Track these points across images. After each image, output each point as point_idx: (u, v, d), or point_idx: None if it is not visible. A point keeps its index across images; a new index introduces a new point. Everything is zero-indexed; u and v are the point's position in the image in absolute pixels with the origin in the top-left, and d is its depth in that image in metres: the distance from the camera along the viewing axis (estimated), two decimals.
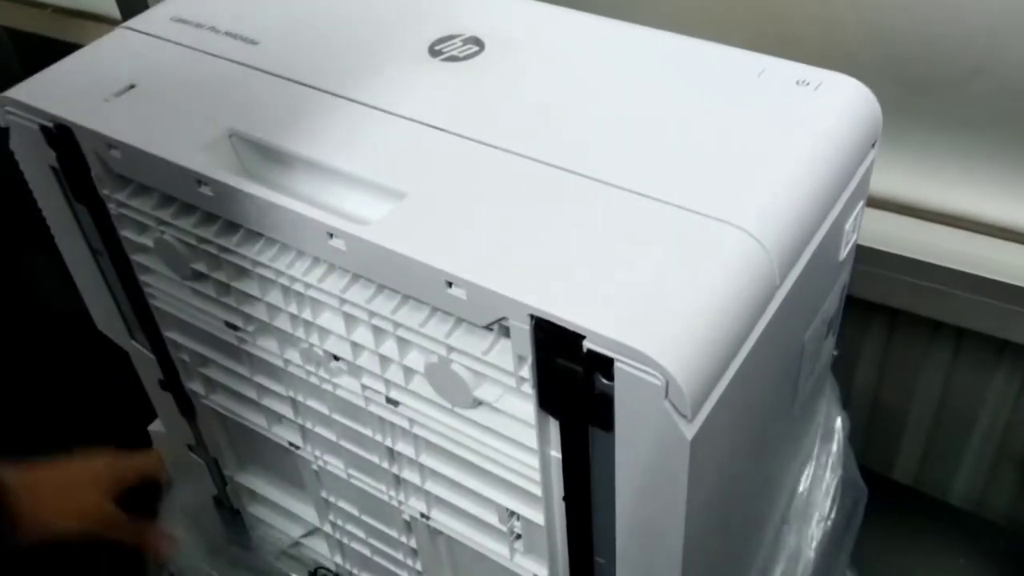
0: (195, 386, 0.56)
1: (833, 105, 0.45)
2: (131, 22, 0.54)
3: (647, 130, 0.44)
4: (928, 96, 0.62)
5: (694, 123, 0.44)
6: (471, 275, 0.37)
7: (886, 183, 0.66)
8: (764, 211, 0.40)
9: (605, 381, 0.35)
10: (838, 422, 0.58)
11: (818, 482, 0.56)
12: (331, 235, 0.41)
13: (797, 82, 0.46)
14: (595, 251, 0.38)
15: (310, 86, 0.47)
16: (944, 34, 0.59)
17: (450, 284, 0.38)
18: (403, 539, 0.53)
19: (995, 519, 0.74)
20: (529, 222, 0.39)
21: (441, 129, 0.44)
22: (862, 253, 0.65)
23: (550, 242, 0.38)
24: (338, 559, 0.60)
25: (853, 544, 0.59)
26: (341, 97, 0.47)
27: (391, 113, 0.45)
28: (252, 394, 0.52)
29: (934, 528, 0.76)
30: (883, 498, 0.72)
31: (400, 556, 0.54)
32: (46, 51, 0.99)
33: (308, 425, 0.51)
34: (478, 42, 0.50)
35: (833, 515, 0.56)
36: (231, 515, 0.66)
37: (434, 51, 0.49)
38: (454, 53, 0.49)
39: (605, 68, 0.48)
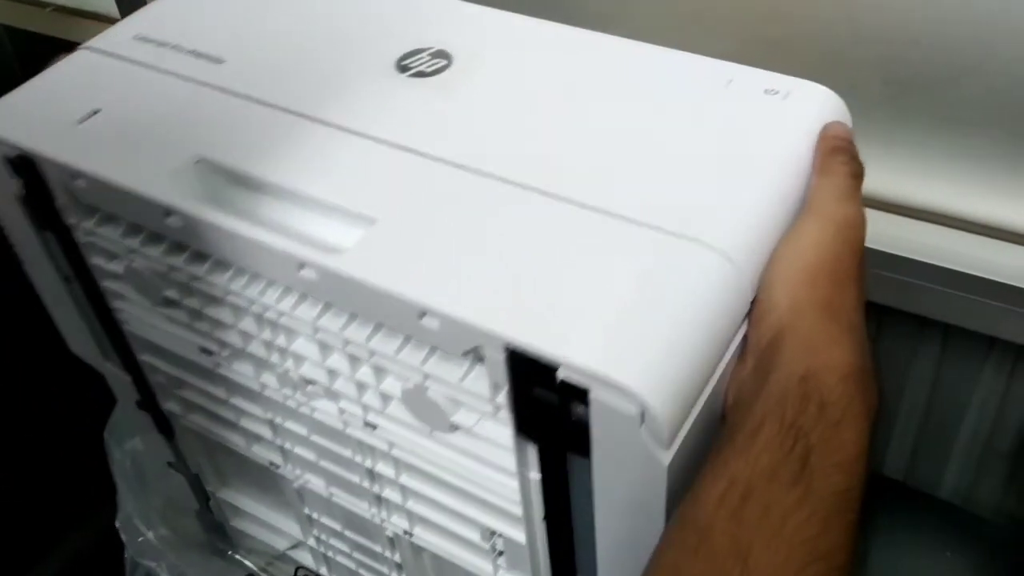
0: (172, 407, 0.56)
1: (802, 115, 0.44)
2: (93, 41, 0.52)
3: (616, 146, 0.43)
4: (917, 95, 0.61)
5: (664, 138, 0.43)
6: (442, 306, 0.37)
7: (872, 181, 0.65)
8: (735, 228, 0.39)
9: (581, 407, 0.35)
10: None
11: None
12: (301, 266, 0.40)
13: (766, 91, 0.44)
14: (568, 277, 0.37)
15: (277, 107, 0.46)
16: (933, 34, 0.58)
17: (422, 314, 0.37)
18: (387, 554, 0.53)
19: (984, 513, 0.75)
20: (500, 247, 0.39)
21: (410, 150, 0.43)
22: None
23: (522, 268, 0.38)
24: (324, 571, 0.60)
25: None
26: (309, 118, 0.46)
27: (360, 134, 0.45)
28: (230, 416, 0.52)
29: (924, 522, 0.76)
30: (874, 493, 0.72)
31: (385, 570, 0.54)
32: (45, 49, 0.98)
33: (287, 446, 0.51)
34: (446, 55, 0.49)
35: None
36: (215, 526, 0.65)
37: (402, 66, 0.48)
38: (422, 68, 0.48)
39: (572, 81, 0.47)
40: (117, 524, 0.66)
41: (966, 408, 0.71)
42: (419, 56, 0.49)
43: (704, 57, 0.47)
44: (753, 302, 0.38)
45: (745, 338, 0.38)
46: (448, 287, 0.37)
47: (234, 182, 0.45)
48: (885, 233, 0.64)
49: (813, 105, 0.44)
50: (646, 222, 0.39)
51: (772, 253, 0.39)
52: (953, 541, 0.77)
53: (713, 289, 0.37)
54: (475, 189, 0.41)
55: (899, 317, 0.67)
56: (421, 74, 0.48)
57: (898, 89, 0.61)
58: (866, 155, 0.64)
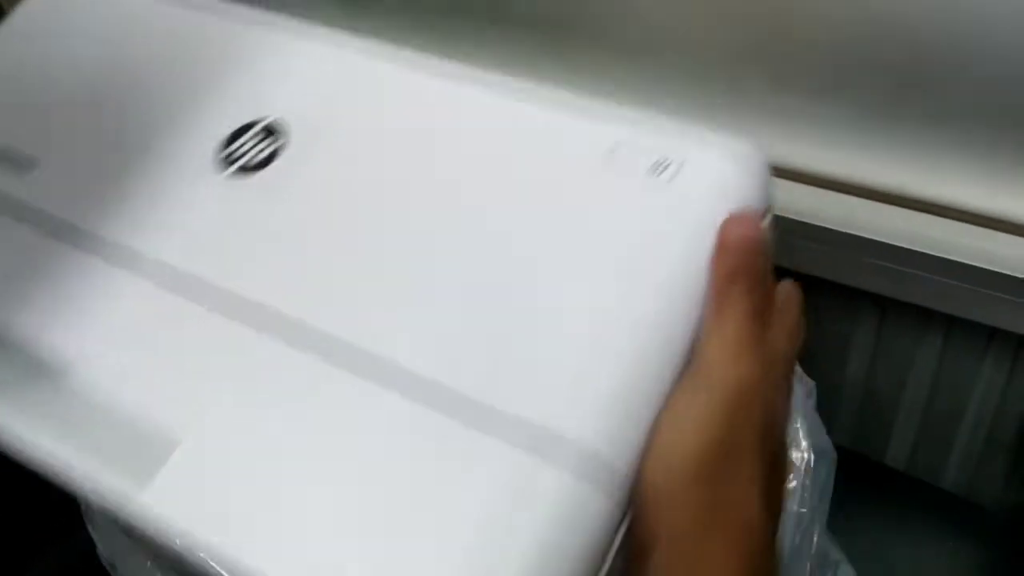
0: None
1: (697, 207, 0.34)
2: None
3: (456, 278, 0.34)
4: (919, 87, 0.62)
5: (518, 268, 0.34)
6: (215, 555, 0.30)
7: (876, 173, 0.66)
8: (601, 410, 0.30)
9: None
10: (799, 394, 0.58)
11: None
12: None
13: (655, 165, 0.35)
14: (378, 515, 0.29)
15: (87, 233, 0.39)
16: (934, 26, 0.59)
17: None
18: None
19: (985, 503, 0.75)
20: (298, 471, 0.31)
21: (201, 302, 0.35)
22: (852, 241, 0.65)
23: (322, 507, 0.30)
24: None
25: (827, 513, 0.58)
26: (118, 255, 0.38)
27: (155, 280, 0.37)
28: None
29: (926, 512, 0.76)
30: (875, 483, 0.73)
31: None
32: None
33: None
34: (280, 132, 0.40)
35: (808, 487, 0.56)
36: None
37: (225, 158, 0.40)
38: (246, 159, 0.39)
39: (411, 169, 0.38)
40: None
41: (968, 399, 0.71)
42: (246, 140, 0.40)
43: (587, 116, 0.37)
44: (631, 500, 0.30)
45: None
46: (224, 530, 0.30)
47: (14, 361, 0.37)
48: (888, 225, 0.65)
49: (713, 188, 0.34)
50: (480, 400, 0.31)
51: (652, 429, 0.31)
52: (954, 531, 0.78)
53: (575, 513, 0.29)
54: (272, 364, 0.33)
55: (902, 308, 0.68)
56: (244, 169, 0.39)
57: (899, 80, 0.62)
58: (868, 147, 0.65)
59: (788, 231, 0.66)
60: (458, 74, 0.40)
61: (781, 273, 0.71)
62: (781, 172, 0.69)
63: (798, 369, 0.58)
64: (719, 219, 0.33)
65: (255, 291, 0.35)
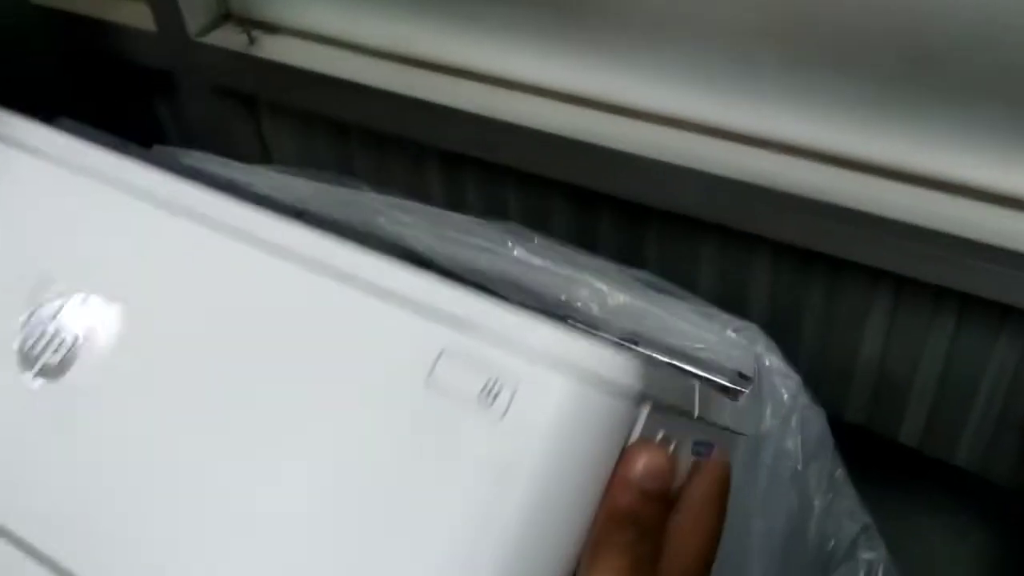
0: None
1: (536, 440, 0.27)
2: None
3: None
4: (931, 67, 0.62)
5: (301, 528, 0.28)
6: None
7: (890, 151, 0.67)
8: None
9: None
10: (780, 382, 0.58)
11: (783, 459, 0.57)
12: None
13: (483, 391, 0.27)
14: None
15: None
16: (948, 6, 0.59)
17: None
18: None
19: (999, 480, 0.76)
20: None
21: None
22: (866, 220, 0.65)
23: None
24: None
25: (829, 473, 0.59)
26: None
27: None
28: None
29: (939, 489, 0.77)
30: (889, 461, 0.73)
31: None
32: (78, 29, 0.99)
33: None
34: (68, 342, 0.34)
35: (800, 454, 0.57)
36: None
37: (26, 354, 0.35)
38: (47, 356, 0.34)
39: (189, 392, 0.32)
40: None
41: (981, 377, 0.72)
42: (40, 345, 0.34)
43: (420, 309, 0.30)
44: None
45: None
46: None
47: None
48: (901, 204, 0.65)
49: (554, 424, 0.27)
50: None
51: None
52: (967, 508, 0.79)
53: None
54: None
55: (917, 287, 0.68)
56: (45, 370, 0.34)
57: (912, 59, 0.62)
58: (882, 124, 0.65)
59: (804, 210, 0.67)
60: (281, 243, 0.33)
61: (798, 253, 0.72)
62: (796, 150, 0.69)
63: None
64: (568, 464, 0.27)
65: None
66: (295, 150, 0.98)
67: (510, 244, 0.59)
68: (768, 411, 0.56)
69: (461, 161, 0.85)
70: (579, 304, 0.56)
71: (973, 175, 0.65)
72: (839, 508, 0.55)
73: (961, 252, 0.64)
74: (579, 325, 0.38)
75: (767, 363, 0.58)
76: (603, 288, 0.57)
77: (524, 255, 0.59)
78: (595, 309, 0.56)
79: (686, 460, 0.31)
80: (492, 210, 0.86)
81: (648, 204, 0.75)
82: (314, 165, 0.97)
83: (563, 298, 0.56)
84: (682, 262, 0.79)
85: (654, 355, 0.38)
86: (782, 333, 0.78)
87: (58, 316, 0.34)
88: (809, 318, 0.76)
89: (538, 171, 0.78)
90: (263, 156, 1.02)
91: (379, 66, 0.84)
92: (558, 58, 0.75)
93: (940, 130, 0.65)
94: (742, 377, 0.37)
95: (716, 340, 0.55)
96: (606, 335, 0.38)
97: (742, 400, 0.37)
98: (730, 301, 0.78)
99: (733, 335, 0.57)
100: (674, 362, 0.38)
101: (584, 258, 0.61)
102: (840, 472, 0.56)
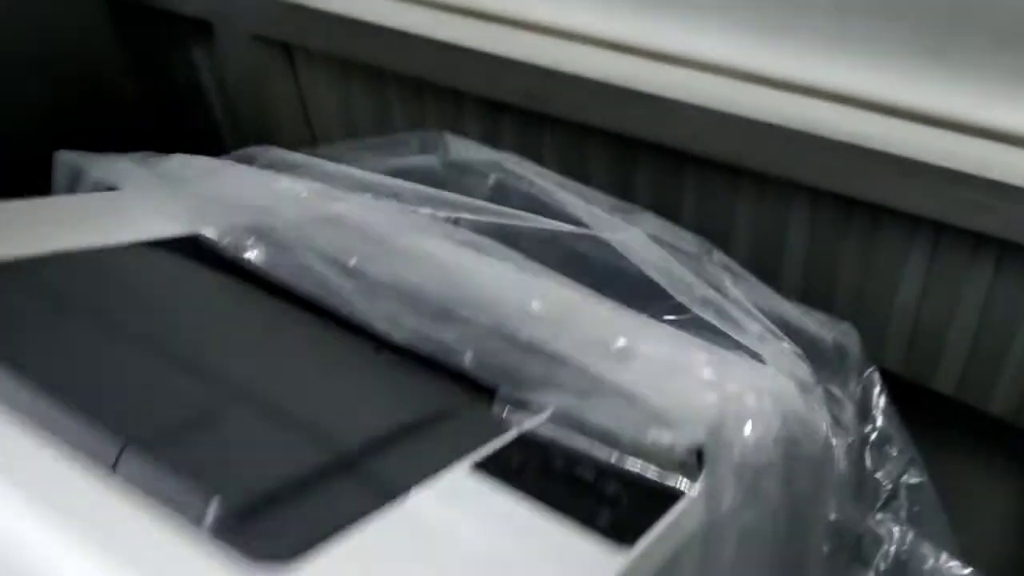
0: None
1: None
2: None
3: None
4: (976, 14, 0.62)
5: None
6: None
7: (933, 98, 0.66)
8: None
9: None
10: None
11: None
12: None
13: None
14: None
15: None
16: None
17: None
18: None
19: None
20: None
21: None
22: (909, 166, 0.65)
23: None
24: None
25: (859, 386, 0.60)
26: None
27: None
28: None
29: (973, 437, 0.78)
30: (923, 408, 0.74)
31: None
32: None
33: None
34: None
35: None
36: None
37: None
38: None
39: None
40: None
41: (1018, 325, 0.72)
42: None
43: None
44: None
45: None
46: None
47: None
48: (944, 150, 0.65)
49: None
50: None
51: None
52: (1002, 456, 0.79)
53: None
54: None
55: (956, 234, 0.69)
56: None
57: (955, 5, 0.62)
58: (926, 74, 0.65)
59: (846, 156, 0.67)
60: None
61: (837, 201, 0.72)
62: (839, 97, 0.69)
63: None
64: None
65: None
66: (333, 100, 0.99)
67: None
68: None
69: (499, 109, 0.85)
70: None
71: (1017, 121, 0.65)
72: (885, 438, 0.56)
73: (1000, 198, 0.64)
74: None
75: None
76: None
77: None
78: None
79: None
80: (529, 158, 0.86)
81: (687, 151, 0.75)
82: (351, 115, 0.98)
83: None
84: (719, 211, 0.79)
85: None
86: (817, 283, 0.78)
87: None
88: (845, 267, 0.77)
89: (577, 118, 0.78)
90: (300, 106, 1.02)
91: (417, 12, 0.84)
92: (599, 4, 0.75)
93: (982, 75, 0.65)
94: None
95: None
96: None
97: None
98: (767, 251, 0.79)
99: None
100: None
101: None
102: (885, 402, 0.56)
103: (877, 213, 0.72)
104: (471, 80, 0.82)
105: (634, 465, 0.41)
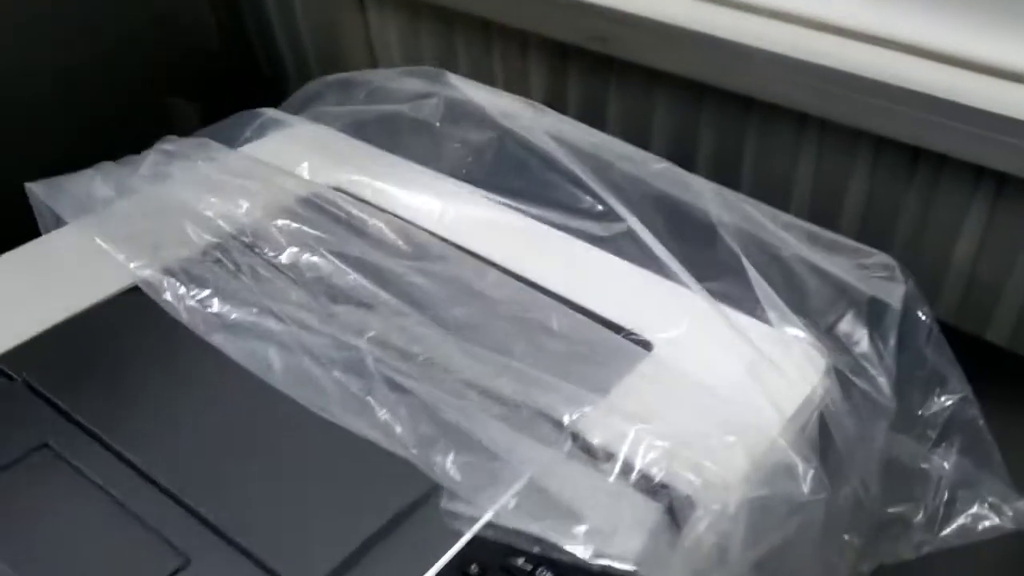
0: None
1: None
2: None
3: None
4: None
5: None
6: None
7: (994, 49, 0.67)
8: None
9: None
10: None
11: None
12: None
13: None
14: None
15: None
16: None
17: None
18: None
19: None
20: None
21: None
22: (972, 116, 0.66)
23: None
24: None
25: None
26: None
27: None
28: None
29: None
30: (976, 358, 0.75)
31: None
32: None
33: None
34: None
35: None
36: None
37: None
38: None
39: None
40: None
41: None
42: None
43: None
44: None
45: None
46: None
47: None
48: (1011, 101, 0.66)
49: None
50: None
51: None
52: None
53: None
54: None
55: (1017, 186, 0.69)
56: None
57: None
58: (991, 26, 0.66)
59: (912, 104, 0.68)
60: None
61: (900, 150, 0.73)
62: (906, 47, 0.70)
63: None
64: None
65: None
66: (400, 46, 1.01)
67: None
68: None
69: (565, 53, 0.86)
70: None
71: None
72: (937, 376, 0.57)
73: None
74: None
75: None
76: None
77: None
78: None
79: None
80: (592, 103, 0.88)
81: (754, 96, 0.76)
82: (418, 56, 1.00)
83: None
84: (781, 158, 0.80)
85: None
86: (874, 233, 0.79)
87: None
88: (905, 217, 0.78)
89: (646, 63, 0.79)
90: (367, 53, 1.04)
91: None
92: None
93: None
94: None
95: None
96: None
97: None
98: (826, 199, 0.80)
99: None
100: None
101: None
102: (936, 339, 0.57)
103: (941, 163, 0.72)
104: (540, 21, 0.83)
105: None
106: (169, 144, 0.66)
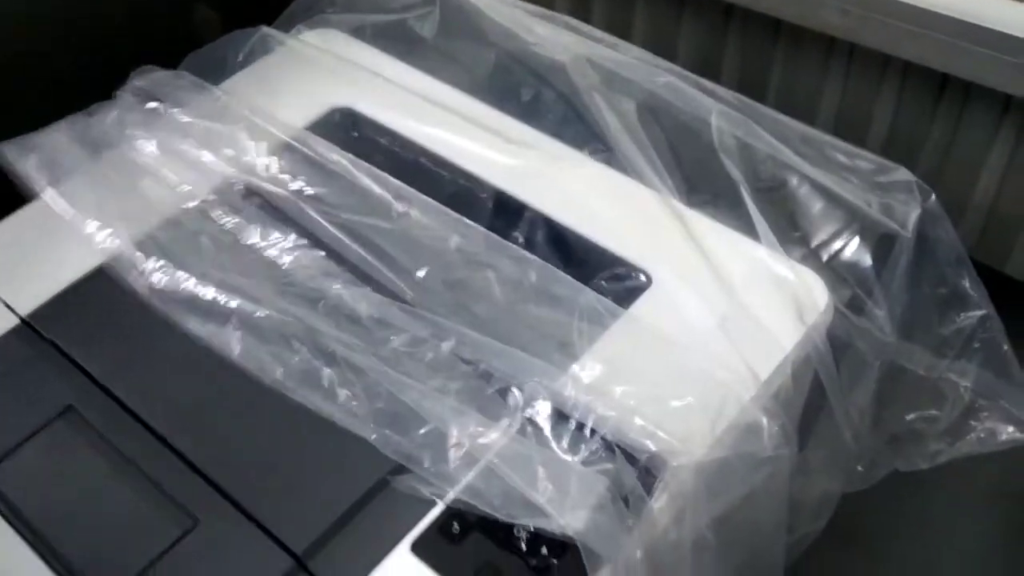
0: None
1: None
2: None
3: None
4: None
5: None
6: None
7: None
8: None
9: None
10: None
11: None
12: None
13: None
14: None
15: None
16: None
17: None
18: None
19: None
20: None
21: None
22: (987, 37, 0.64)
23: None
24: None
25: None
26: None
27: None
28: None
29: None
30: (994, 291, 0.74)
31: None
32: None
33: None
34: None
35: None
36: None
37: None
38: None
39: None
40: None
41: None
42: None
43: None
44: None
45: None
46: None
47: None
48: None
49: None
50: None
51: None
52: None
53: None
54: None
55: None
56: None
57: None
58: None
59: (943, 29, 0.66)
60: None
61: (929, 77, 0.71)
62: None
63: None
64: None
65: None
66: None
67: None
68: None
69: None
70: None
71: None
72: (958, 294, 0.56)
73: None
74: None
75: None
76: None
77: None
78: None
79: None
80: (617, 23, 0.87)
81: (781, 19, 0.74)
82: None
83: None
84: (807, 83, 0.79)
85: None
86: (898, 162, 0.78)
87: None
88: (928, 148, 0.77)
89: None
90: None
91: None
92: None
93: None
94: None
95: None
96: None
97: None
98: (850, 126, 0.79)
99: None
100: None
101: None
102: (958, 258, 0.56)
103: (967, 93, 0.71)
104: None
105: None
106: (142, 80, 0.64)
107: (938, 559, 0.71)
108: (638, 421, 0.45)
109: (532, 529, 0.43)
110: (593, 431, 0.45)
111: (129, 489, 0.47)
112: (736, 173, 0.53)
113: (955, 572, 0.69)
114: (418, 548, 0.44)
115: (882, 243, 0.54)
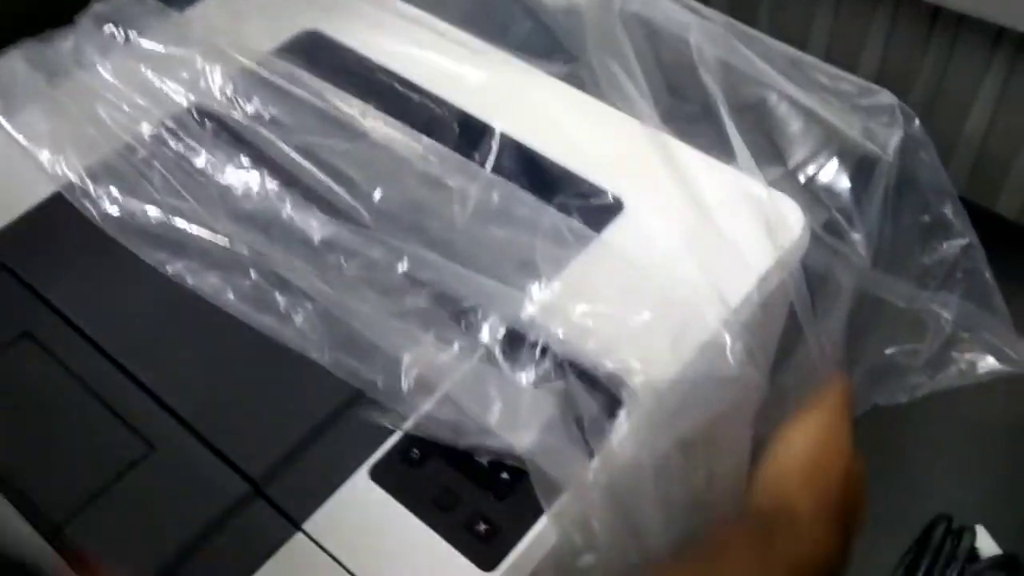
0: None
1: None
2: None
3: None
4: None
5: None
6: None
7: None
8: None
9: None
10: None
11: None
12: None
13: None
14: None
15: None
16: None
17: None
18: None
19: None
20: None
21: None
22: None
23: None
24: None
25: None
26: None
27: None
28: None
29: None
30: (985, 230, 0.73)
31: None
32: None
33: None
34: None
35: None
36: None
37: None
38: None
39: None
40: None
41: None
42: None
43: None
44: None
45: None
46: None
47: None
48: None
49: None
50: None
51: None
52: None
53: None
54: None
55: None
56: None
57: None
58: None
59: None
60: None
61: (920, 8, 0.69)
62: None
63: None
64: None
65: None
66: None
67: None
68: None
69: None
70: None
71: None
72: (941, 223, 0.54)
73: None
74: None
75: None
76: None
77: None
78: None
79: None
80: None
81: None
82: None
83: None
84: (796, 18, 0.77)
85: None
86: None
87: None
88: (919, 84, 0.75)
89: None
90: None
91: None
92: None
93: None
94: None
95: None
96: None
97: None
98: (839, 64, 0.77)
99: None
100: None
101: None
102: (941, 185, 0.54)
103: (958, 26, 0.69)
104: None
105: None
106: (103, 5, 0.61)
107: (918, 492, 0.70)
108: (594, 341, 0.44)
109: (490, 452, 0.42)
110: (547, 351, 0.44)
111: (86, 415, 0.46)
112: (715, 89, 0.51)
113: (937, 506, 0.69)
114: (377, 474, 0.44)
115: (863, 167, 0.52)
